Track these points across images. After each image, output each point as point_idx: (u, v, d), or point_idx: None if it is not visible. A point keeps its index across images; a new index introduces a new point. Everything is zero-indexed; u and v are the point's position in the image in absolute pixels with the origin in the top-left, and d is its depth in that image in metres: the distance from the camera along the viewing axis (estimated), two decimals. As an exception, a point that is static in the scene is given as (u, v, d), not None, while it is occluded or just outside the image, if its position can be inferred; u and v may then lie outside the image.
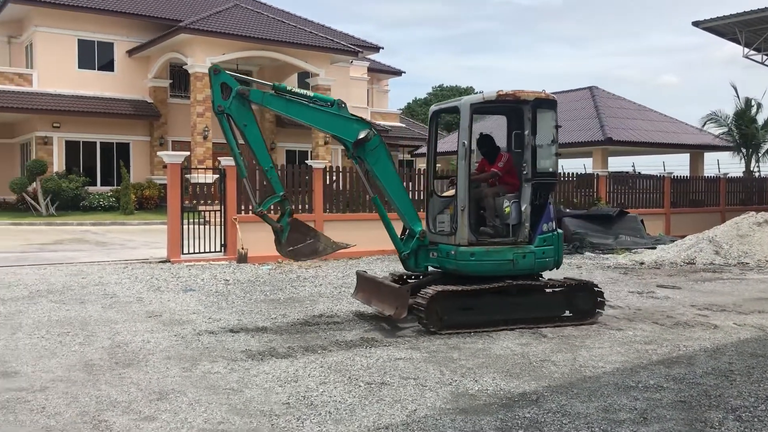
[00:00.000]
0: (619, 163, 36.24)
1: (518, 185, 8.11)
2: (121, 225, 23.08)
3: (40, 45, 28.63)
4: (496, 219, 8.14)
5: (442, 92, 73.76)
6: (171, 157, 13.96)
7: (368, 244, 13.88)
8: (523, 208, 7.99)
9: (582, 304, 8.20)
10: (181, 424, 4.80)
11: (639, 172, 27.56)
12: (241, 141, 7.79)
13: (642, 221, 19.24)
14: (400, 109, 52.72)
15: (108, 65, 30.10)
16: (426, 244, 8.24)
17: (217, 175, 15.17)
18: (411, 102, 73.97)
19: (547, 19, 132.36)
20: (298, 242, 7.95)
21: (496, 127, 10.65)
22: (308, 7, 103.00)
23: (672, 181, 22.23)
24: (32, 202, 25.60)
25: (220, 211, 14.38)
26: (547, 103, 8.11)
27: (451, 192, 8.39)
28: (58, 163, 27.77)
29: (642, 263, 14.70)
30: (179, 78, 30.76)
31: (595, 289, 8.25)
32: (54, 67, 28.37)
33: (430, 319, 7.46)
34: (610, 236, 18.00)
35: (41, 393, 5.45)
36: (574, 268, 13.83)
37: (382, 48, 38.52)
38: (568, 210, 18.78)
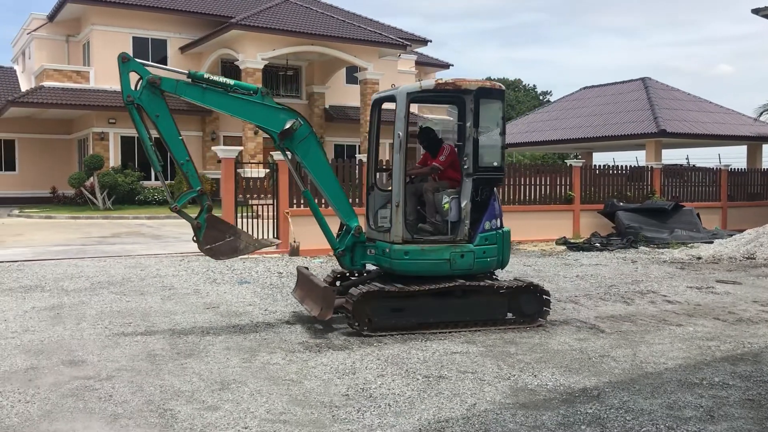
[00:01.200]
0: (672, 156, 35.34)
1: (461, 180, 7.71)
2: (175, 219, 23.30)
3: (96, 43, 29.38)
4: (436, 216, 7.73)
5: (489, 85, 73.14)
6: (225, 151, 14.19)
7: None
8: (462, 205, 7.56)
9: (526, 307, 7.65)
10: (243, 413, 4.88)
11: (693, 165, 26.89)
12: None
13: (698, 215, 18.78)
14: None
15: (161, 62, 30.65)
16: (363, 241, 7.85)
17: (268, 170, 15.35)
18: (458, 95, 73.53)
19: (598, 10, 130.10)
20: (216, 240, 7.56)
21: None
22: (358, 1, 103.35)
23: (729, 174, 21.65)
24: (90, 196, 26.35)
25: (273, 204, 14.55)
26: (492, 92, 7.67)
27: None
28: (114, 158, 28.51)
29: (699, 258, 14.35)
30: (230, 74, 31.15)
31: (540, 291, 7.71)
32: (110, 65, 28.70)
33: (357, 321, 7.12)
34: (665, 230, 17.62)
35: (108, 381, 5.60)
36: (628, 262, 13.59)
37: (430, 41, 38.40)
38: (621, 203, 18.46)
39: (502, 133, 7.76)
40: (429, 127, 8.50)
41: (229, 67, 30.65)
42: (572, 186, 18.46)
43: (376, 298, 7.21)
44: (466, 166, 7.56)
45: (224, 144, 28.99)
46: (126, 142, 28.91)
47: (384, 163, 7.99)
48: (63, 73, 29.13)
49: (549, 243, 17.12)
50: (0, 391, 5.32)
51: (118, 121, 28.53)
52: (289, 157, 7.88)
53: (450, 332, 7.28)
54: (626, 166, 20.67)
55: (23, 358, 6.27)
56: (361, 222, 8.00)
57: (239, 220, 13.90)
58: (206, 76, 7.38)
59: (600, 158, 38.83)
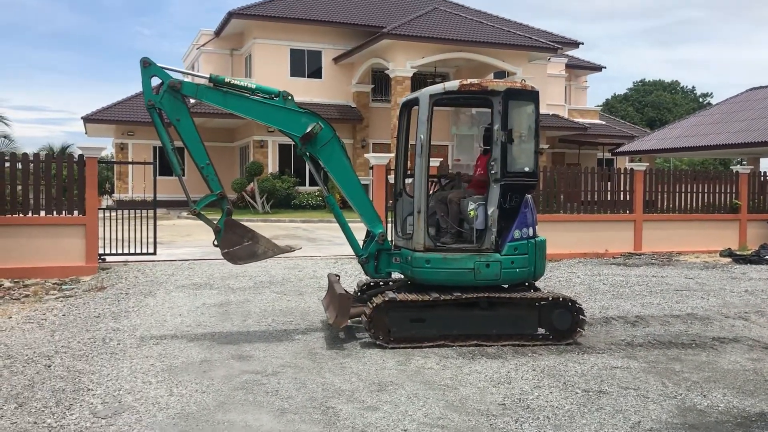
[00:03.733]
0: None
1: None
2: (328, 222, 24.39)
3: (257, 56, 31.15)
4: (463, 223, 7.36)
5: (643, 87, 69.88)
6: (377, 158, 14.54)
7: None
8: (489, 212, 7.13)
9: (558, 322, 7.12)
10: (402, 416, 4.99)
11: None
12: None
13: None
14: (599, 106, 50.71)
15: (316, 72, 32.04)
16: (387, 248, 7.60)
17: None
18: (610, 98, 70.84)
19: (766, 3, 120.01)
20: (234, 244, 7.45)
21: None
22: (506, 5, 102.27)
23: None
24: (250, 200, 27.96)
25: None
26: (523, 94, 7.24)
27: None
28: (272, 164, 30.10)
29: None
30: (380, 82, 32.00)
31: (574, 306, 7.16)
32: (269, 76, 30.62)
33: (376, 331, 6.90)
34: None
35: (274, 377, 5.92)
36: (806, 278, 12.47)
37: (582, 43, 37.32)
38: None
39: (536, 137, 7.34)
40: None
41: (380, 76, 31.45)
42: (738, 194, 17.23)
43: (395, 308, 6.96)
44: (493, 171, 7.13)
45: (373, 151, 29.74)
46: (283, 150, 30.40)
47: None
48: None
49: (712, 254, 16.08)
50: (180, 380, 5.79)
51: (276, 130, 30.05)
52: (312, 163, 7.69)
53: (475, 345, 6.95)
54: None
55: (198, 351, 6.77)
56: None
57: (391, 224, 14.18)
58: (227, 80, 7.33)
59: (769, 164, 35.89)
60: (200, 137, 7.43)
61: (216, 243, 7.51)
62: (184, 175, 7.87)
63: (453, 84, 7.30)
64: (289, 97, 7.37)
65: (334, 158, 7.47)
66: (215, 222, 7.44)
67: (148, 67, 7.19)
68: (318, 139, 7.36)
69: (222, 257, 7.63)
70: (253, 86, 7.39)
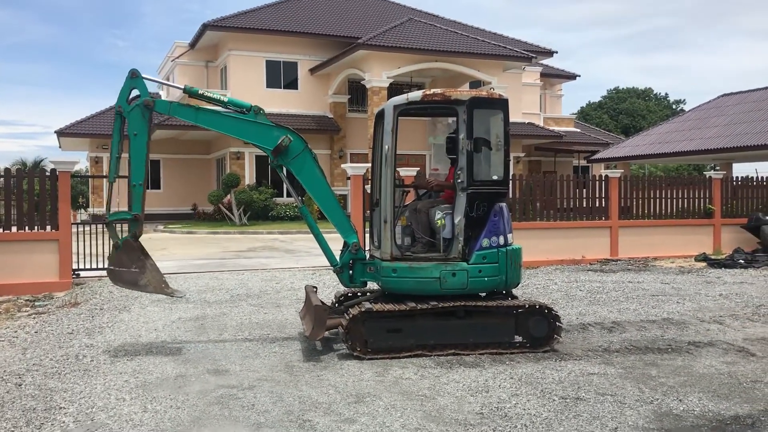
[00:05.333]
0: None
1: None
2: (306, 233, 24.15)
3: (233, 67, 31.06)
4: (435, 235, 7.37)
5: (617, 94, 70.68)
6: (354, 169, 14.54)
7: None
8: (456, 221, 7.13)
9: (535, 330, 7.12)
10: (379, 427, 4.95)
11: None
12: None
13: None
14: (574, 114, 51.21)
15: (292, 83, 32.02)
16: (362, 258, 7.62)
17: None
18: (584, 106, 71.54)
19: (738, 12, 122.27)
20: (122, 266, 7.46)
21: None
22: (481, 15, 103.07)
23: None
24: (227, 212, 27.79)
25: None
26: (490, 102, 7.30)
27: (408, 200, 7.79)
28: (249, 176, 29.96)
29: None
30: (356, 93, 32.07)
31: (550, 313, 7.17)
32: (245, 88, 30.58)
33: (353, 342, 6.90)
34: (822, 246, 16.24)
35: (250, 391, 5.86)
36: (779, 281, 12.64)
37: (556, 52, 37.72)
38: (767, 217, 17.21)
39: (506, 145, 7.31)
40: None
41: (356, 87, 31.51)
42: (712, 199, 17.45)
43: (372, 318, 6.94)
44: (459, 180, 7.13)
45: (351, 161, 29.74)
46: (260, 161, 30.30)
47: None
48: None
49: (687, 259, 16.25)
50: (154, 396, 5.70)
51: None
52: (286, 175, 7.73)
53: (453, 354, 6.95)
54: (772, 178, 19.26)
55: (172, 366, 6.68)
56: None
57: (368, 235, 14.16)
58: (201, 91, 7.57)
59: (740, 169, 36.52)
60: (147, 158, 7.57)
61: (109, 256, 7.62)
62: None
63: (416, 95, 7.33)
64: (261, 112, 7.49)
65: (305, 169, 7.55)
66: (119, 239, 7.53)
67: (135, 78, 7.41)
68: (289, 151, 7.45)
69: (109, 273, 7.62)
70: (226, 99, 7.53)
